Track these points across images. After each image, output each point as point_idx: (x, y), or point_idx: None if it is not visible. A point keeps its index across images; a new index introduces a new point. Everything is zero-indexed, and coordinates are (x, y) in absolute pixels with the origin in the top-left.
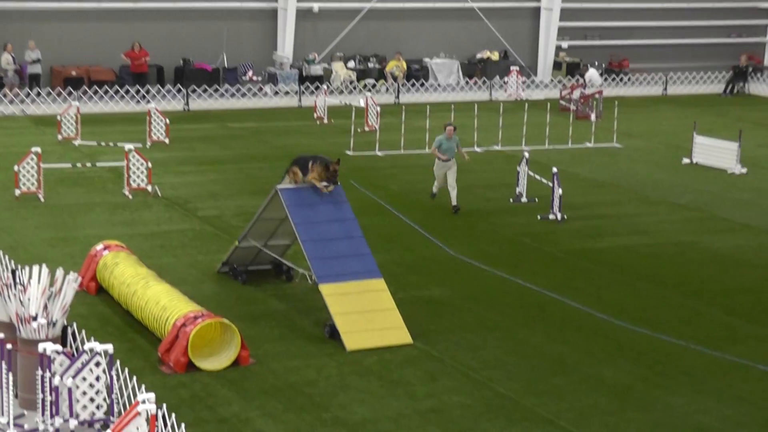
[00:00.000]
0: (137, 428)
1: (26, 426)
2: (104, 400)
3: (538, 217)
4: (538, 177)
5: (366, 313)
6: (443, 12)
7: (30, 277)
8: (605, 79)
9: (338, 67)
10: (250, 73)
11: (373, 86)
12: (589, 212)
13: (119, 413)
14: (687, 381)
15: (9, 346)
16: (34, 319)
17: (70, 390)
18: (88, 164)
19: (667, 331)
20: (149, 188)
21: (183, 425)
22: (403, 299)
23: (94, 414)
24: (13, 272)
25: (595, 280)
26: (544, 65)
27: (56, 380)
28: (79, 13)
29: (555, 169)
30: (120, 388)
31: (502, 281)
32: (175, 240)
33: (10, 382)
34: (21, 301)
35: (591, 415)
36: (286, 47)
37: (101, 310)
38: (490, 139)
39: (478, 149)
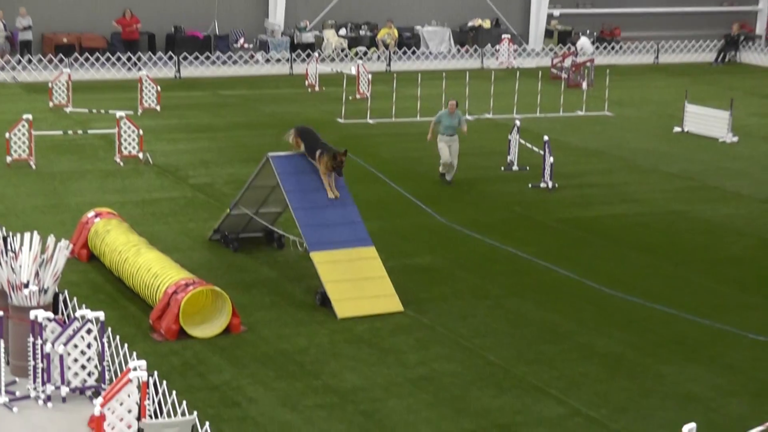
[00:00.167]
0: (128, 395)
1: (18, 393)
2: (95, 367)
3: (529, 185)
4: (529, 145)
5: (357, 281)
6: None
7: (21, 244)
8: (597, 48)
9: (330, 35)
10: (241, 40)
11: (365, 54)
12: (580, 181)
13: (110, 380)
14: (678, 349)
15: (0, 313)
16: (26, 286)
17: (61, 357)
18: (80, 131)
19: (657, 300)
20: (141, 156)
21: (174, 393)
22: (394, 267)
23: (85, 381)
24: (5, 239)
25: (586, 248)
26: (535, 33)
27: (48, 347)
28: None
29: (546, 138)
30: (111, 356)
31: (493, 249)
32: (167, 207)
33: (2, 350)
34: (12, 269)
35: (582, 384)
36: (277, 15)
37: (92, 278)
38: (481, 108)
39: (469, 117)
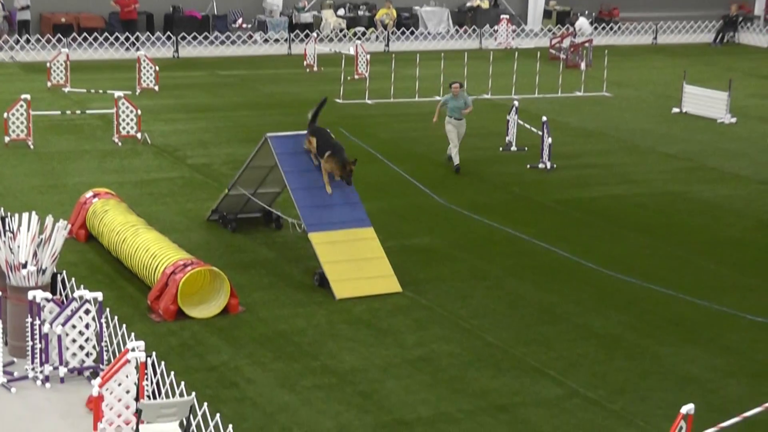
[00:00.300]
0: (127, 376)
1: (16, 373)
2: (94, 348)
3: (528, 166)
4: (527, 126)
5: (355, 262)
6: None
7: (19, 224)
8: (595, 28)
9: (328, 15)
10: (239, 20)
11: (363, 34)
12: (578, 161)
13: (109, 361)
14: (675, 330)
15: None
16: (24, 266)
17: (59, 337)
18: (78, 111)
19: (655, 281)
20: (139, 136)
21: (172, 373)
22: (392, 248)
23: (83, 362)
24: (3, 219)
25: (584, 229)
26: (534, 14)
27: (46, 328)
28: None
29: (544, 118)
30: (109, 336)
31: (492, 230)
32: (165, 188)
33: (0, 330)
34: (10, 249)
35: (580, 364)
36: None
37: (91, 258)
38: (479, 88)
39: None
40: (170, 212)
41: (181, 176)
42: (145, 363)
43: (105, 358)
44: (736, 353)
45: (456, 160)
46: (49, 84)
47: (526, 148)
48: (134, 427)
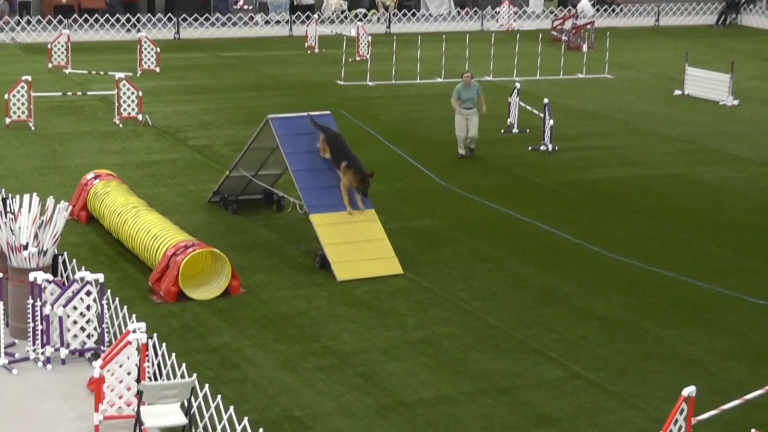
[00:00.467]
0: (128, 358)
1: (17, 355)
2: (95, 329)
3: (529, 148)
4: (529, 108)
5: (356, 244)
6: None
7: (21, 206)
8: (597, 10)
9: None
10: (241, 2)
11: (365, 16)
12: (580, 143)
13: (110, 343)
14: (677, 313)
15: (0, 275)
16: (25, 248)
17: (60, 319)
18: (79, 93)
19: (657, 263)
20: (140, 117)
21: (173, 355)
22: (393, 230)
23: (84, 343)
24: (4, 201)
25: (585, 211)
26: None
27: (47, 309)
28: None
29: (546, 100)
30: (110, 318)
31: (493, 212)
32: (166, 169)
33: (1, 311)
34: (12, 230)
35: (581, 347)
36: None
37: (92, 240)
38: (481, 70)
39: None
40: (171, 194)
41: (182, 158)
42: (146, 344)
43: (106, 339)
44: (737, 335)
45: (470, 150)
46: (50, 65)
47: (528, 130)
48: (135, 409)
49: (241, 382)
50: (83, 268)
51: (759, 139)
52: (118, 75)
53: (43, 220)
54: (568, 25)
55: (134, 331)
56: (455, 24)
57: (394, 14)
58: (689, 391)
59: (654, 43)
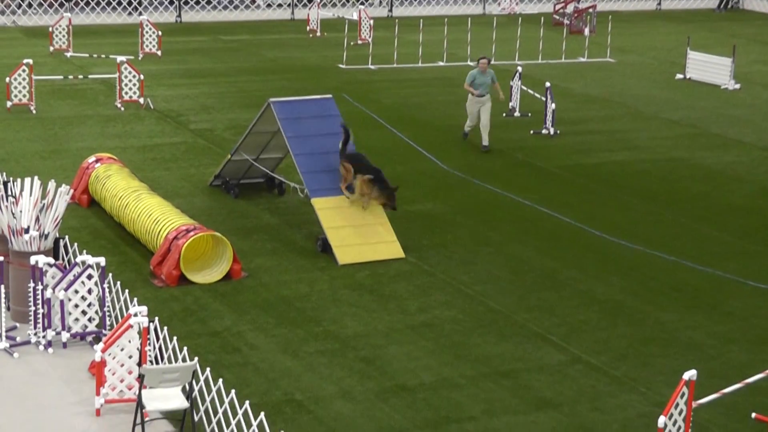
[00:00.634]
0: (129, 341)
1: (18, 338)
2: (96, 313)
3: (531, 132)
4: (531, 92)
5: (358, 227)
6: None
7: (22, 189)
8: None
9: None
10: None
11: None
12: (581, 127)
13: (111, 326)
14: (678, 297)
15: (1, 258)
16: (26, 231)
17: (62, 303)
18: (80, 76)
19: (658, 247)
20: (141, 101)
21: (175, 338)
22: (395, 213)
23: (86, 327)
24: (5, 184)
25: (587, 195)
26: None
27: (48, 293)
28: None
29: (548, 84)
30: (112, 302)
31: (495, 196)
32: (168, 153)
33: (2, 295)
34: (13, 214)
35: (582, 331)
36: None
37: (93, 223)
38: (483, 54)
39: (471, 63)
40: (173, 177)
41: (183, 141)
42: (148, 328)
43: (107, 323)
44: (738, 320)
45: (466, 131)
46: (51, 49)
47: (530, 114)
48: (137, 392)
49: (242, 366)
50: (84, 251)
51: (760, 123)
52: (120, 58)
53: (44, 204)
54: (570, 9)
55: (135, 315)
56: (457, 8)
57: None
58: (690, 374)
59: (656, 27)
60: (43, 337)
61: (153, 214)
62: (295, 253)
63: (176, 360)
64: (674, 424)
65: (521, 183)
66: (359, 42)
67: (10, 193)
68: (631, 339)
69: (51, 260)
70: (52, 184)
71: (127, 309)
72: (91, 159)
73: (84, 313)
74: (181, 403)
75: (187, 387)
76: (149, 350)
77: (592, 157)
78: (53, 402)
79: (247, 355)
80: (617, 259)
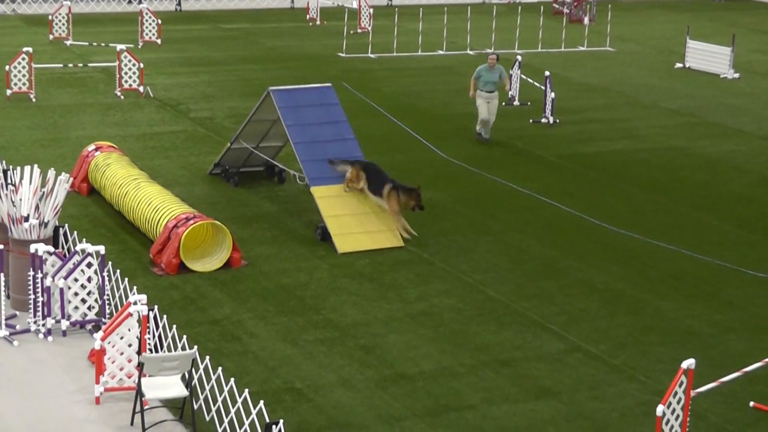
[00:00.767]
0: (129, 329)
1: (18, 327)
2: (96, 301)
3: (531, 120)
4: (530, 80)
5: (357, 216)
6: None
7: (22, 177)
8: None
9: None
10: None
11: None
12: (581, 116)
13: (111, 314)
14: (677, 286)
15: (1, 246)
16: (26, 219)
17: (61, 291)
18: (80, 65)
19: (658, 236)
20: (141, 89)
21: (174, 327)
22: None
23: (85, 315)
24: (5, 172)
25: (586, 184)
26: None
27: (48, 281)
28: None
29: (548, 73)
30: (111, 290)
31: (494, 185)
32: (167, 141)
33: (2, 283)
34: (13, 202)
35: (581, 319)
36: None
37: (93, 211)
38: (482, 42)
39: (470, 52)
40: (173, 166)
41: (183, 130)
42: (147, 316)
43: (107, 311)
44: (737, 308)
45: (479, 130)
46: (51, 37)
47: (529, 103)
48: (136, 381)
49: (241, 354)
50: (84, 240)
51: (759, 112)
52: (120, 47)
53: (44, 192)
54: None
55: (135, 303)
56: None
57: None
58: (689, 363)
59: (655, 16)
60: (43, 325)
61: (153, 203)
62: (294, 241)
63: (176, 348)
64: (673, 413)
65: (521, 172)
66: (359, 31)
67: (9, 181)
68: (631, 328)
69: (51, 248)
70: (51, 173)
71: (126, 297)
72: (91, 147)
73: (83, 301)
74: (181, 391)
75: (187, 375)
76: (149, 338)
77: (591, 146)
78: (53, 390)
79: (246, 344)
80: (617, 248)
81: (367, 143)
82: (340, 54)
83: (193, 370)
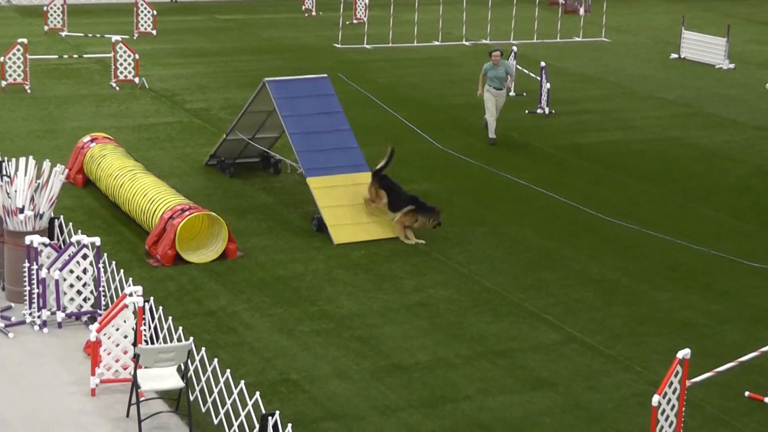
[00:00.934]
0: (124, 321)
1: (13, 318)
2: (91, 292)
3: (526, 111)
4: (526, 71)
5: (353, 207)
6: None
7: (17, 169)
8: None
9: None
10: None
11: None
12: (576, 107)
13: (106, 306)
14: (673, 276)
15: None
16: (21, 211)
17: (57, 283)
18: (75, 56)
19: (653, 227)
20: (136, 80)
21: (170, 318)
22: None
23: (81, 307)
24: (0, 164)
25: (582, 175)
26: None
27: (43, 273)
28: None
29: (543, 64)
30: (107, 281)
31: (490, 175)
32: (163, 132)
33: None
34: (8, 194)
35: (577, 310)
36: None
37: (88, 203)
38: (478, 33)
39: (466, 43)
40: (168, 157)
41: (179, 121)
42: (143, 308)
43: (103, 303)
44: (732, 298)
45: (492, 134)
46: (46, 28)
47: (525, 94)
48: (132, 372)
49: (237, 345)
50: (80, 231)
51: (754, 103)
52: (115, 38)
53: (39, 184)
54: None
55: (131, 295)
56: None
57: None
58: (684, 353)
59: (651, 7)
60: (38, 316)
61: (148, 194)
62: (290, 232)
63: (171, 340)
64: (668, 403)
65: (517, 162)
66: (355, 21)
67: (4, 172)
68: (626, 318)
69: (46, 240)
70: (47, 164)
71: (122, 289)
72: (86, 138)
73: (79, 293)
74: (177, 382)
75: (183, 367)
76: (144, 330)
77: (586, 137)
78: (48, 382)
79: (242, 335)
80: (612, 239)
81: (363, 134)
82: (336, 45)
83: (189, 361)
